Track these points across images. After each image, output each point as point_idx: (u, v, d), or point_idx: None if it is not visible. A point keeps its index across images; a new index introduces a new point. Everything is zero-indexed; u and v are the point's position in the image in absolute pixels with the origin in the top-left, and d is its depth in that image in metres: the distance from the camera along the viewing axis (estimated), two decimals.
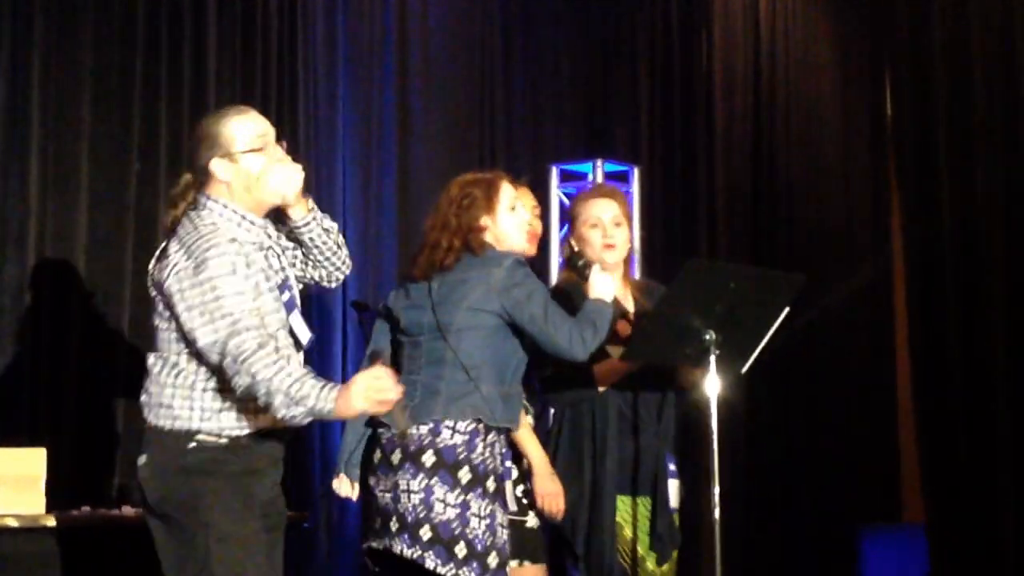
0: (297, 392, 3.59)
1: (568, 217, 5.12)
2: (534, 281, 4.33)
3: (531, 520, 4.73)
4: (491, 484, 4.20)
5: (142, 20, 6.48)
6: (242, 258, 3.73)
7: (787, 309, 4.63)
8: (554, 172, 8.05)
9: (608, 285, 4.47)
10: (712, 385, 4.59)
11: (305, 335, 3.92)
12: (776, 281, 4.74)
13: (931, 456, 8.74)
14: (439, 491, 4.12)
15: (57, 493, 5.26)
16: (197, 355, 3.73)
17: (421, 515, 4.11)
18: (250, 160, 3.85)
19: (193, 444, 3.75)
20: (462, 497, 4.13)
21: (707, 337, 4.56)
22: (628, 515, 4.78)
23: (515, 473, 4.72)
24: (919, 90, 9.06)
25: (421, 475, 4.14)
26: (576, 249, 4.78)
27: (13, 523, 5.02)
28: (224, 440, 3.77)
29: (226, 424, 3.77)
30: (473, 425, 4.20)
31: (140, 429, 6.07)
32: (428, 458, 4.15)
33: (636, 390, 4.81)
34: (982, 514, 8.30)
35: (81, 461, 5.92)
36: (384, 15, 7.67)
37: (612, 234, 4.88)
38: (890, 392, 10.10)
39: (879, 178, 10.35)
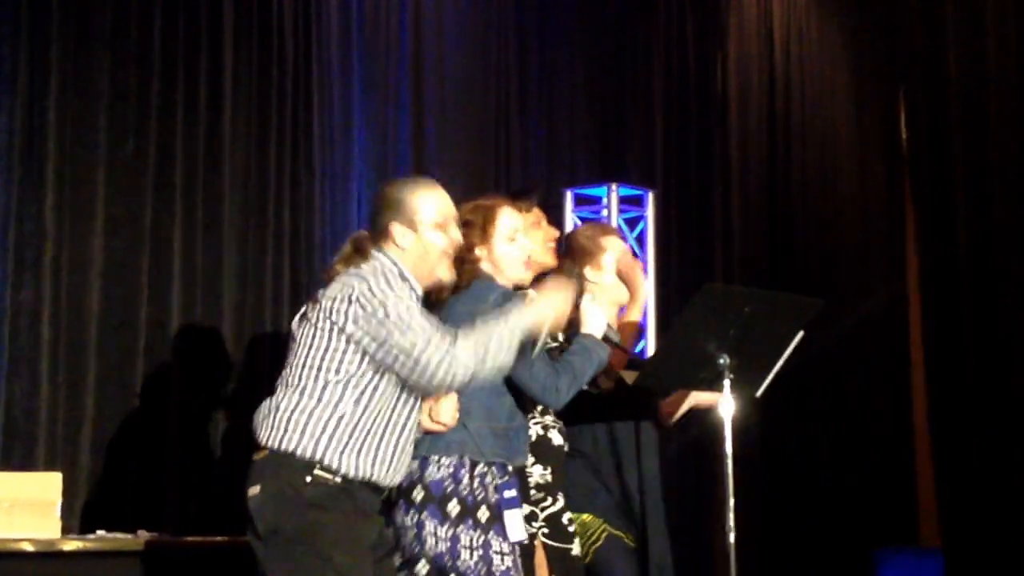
0: (506, 330, 3.83)
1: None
2: None
3: (576, 548, 4.71)
4: (483, 514, 4.16)
5: (158, 46, 6.50)
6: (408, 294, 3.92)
7: (801, 333, 4.62)
8: (568, 196, 8.05)
9: (600, 317, 4.43)
10: (727, 409, 4.58)
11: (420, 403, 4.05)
12: (792, 305, 4.73)
13: (947, 479, 8.74)
14: (429, 525, 4.10)
15: (72, 517, 5.26)
16: (340, 384, 3.81)
17: (416, 550, 4.11)
18: (429, 234, 3.97)
19: (310, 478, 3.77)
20: (452, 530, 4.10)
21: (722, 361, 4.55)
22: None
23: (562, 501, 4.70)
24: (934, 112, 9.07)
25: (412, 511, 4.13)
26: (592, 280, 4.85)
27: (29, 547, 5.03)
28: (339, 480, 3.79)
29: (344, 461, 3.80)
30: (457, 460, 4.18)
31: (156, 451, 6.16)
32: (417, 494, 4.14)
33: (617, 433, 4.87)
34: (998, 537, 8.29)
35: (96, 485, 5.92)
36: (400, 40, 7.68)
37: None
38: (906, 415, 10.09)
39: (895, 201, 10.35)
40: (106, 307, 6.18)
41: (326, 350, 3.83)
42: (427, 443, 4.17)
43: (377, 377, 3.84)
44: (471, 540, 4.11)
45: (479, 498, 4.16)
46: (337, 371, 3.82)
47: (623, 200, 8.15)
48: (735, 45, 9.57)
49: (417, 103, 7.74)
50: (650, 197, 8.32)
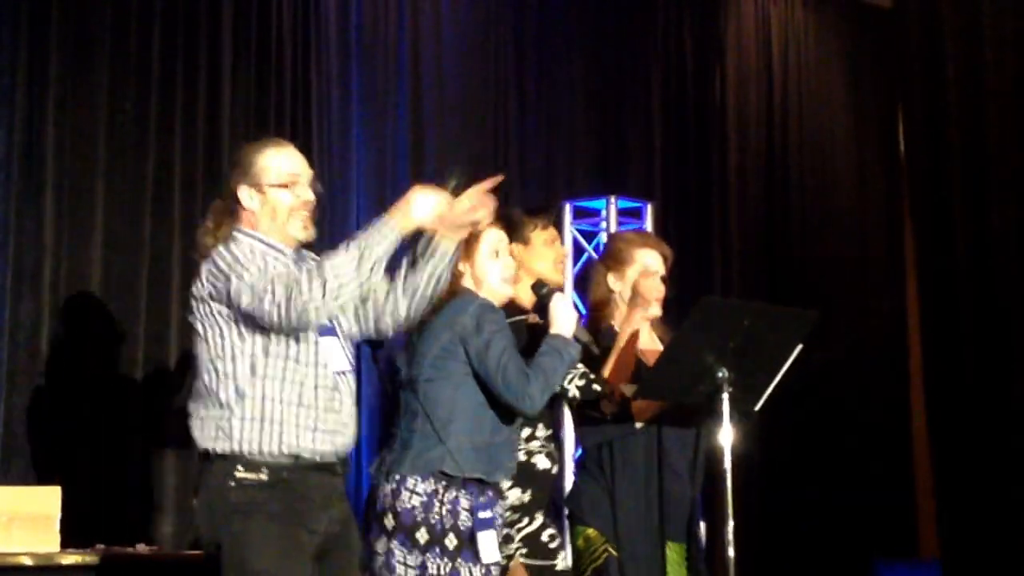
0: (357, 251, 3.73)
1: (580, 252, 5.10)
2: (495, 329, 4.22)
3: (560, 563, 4.69)
4: (450, 542, 4.12)
5: (157, 59, 6.52)
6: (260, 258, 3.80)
7: (800, 346, 4.61)
8: (568, 209, 8.05)
9: (570, 315, 4.34)
10: (725, 423, 4.56)
11: (336, 363, 3.90)
12: (790, 318, 4.72)
13: (946, 490, 8.72)
14: (399, 554, 4.09)
15: (71, 531, 5.26)
16: (232, 363, 3.74)
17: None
18: (275, 193, 3.89)
19: (233, 483, 3.72)
20: (420, 558, 4.09)
21: (720, 375, 4.53)
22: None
23: (540, 518, 4.67)
24: (932, 125, 9.06)
25: (384, 538, 4.12)
26: (616, 291, 4.82)
27: (28, 561, 5.03)
28: (264, 476, 3.74)
29: (266, 443, 3.73)
30: (433, 484, 4.13)
31: (155, 465, 6.17)
32: (388, 521, 4.12)
33: (670, 434, 4.79)
34: (997, 549, 8.27)
35: (95, 499, 5.92)
36: (398, 52, 7.70)
37: (662, 288, 4.86)
38: (905, 426, 10.08)
39: (893, 213, 10.36)
40: (105, 320, 6.18)
41: (210, 338, 3.78)
42: (408, 462, 4.15)
43: (259, 340, 3.76)
44: (438, 568, 4.09)
45: (447, 525, 4.12)
46: (223, 354, 3.76)
47: (622, 212, 8.14)
48: (733, 57, 9.59)
49: (416, 116, 7.75)
50: (649, 209, 8.31)
